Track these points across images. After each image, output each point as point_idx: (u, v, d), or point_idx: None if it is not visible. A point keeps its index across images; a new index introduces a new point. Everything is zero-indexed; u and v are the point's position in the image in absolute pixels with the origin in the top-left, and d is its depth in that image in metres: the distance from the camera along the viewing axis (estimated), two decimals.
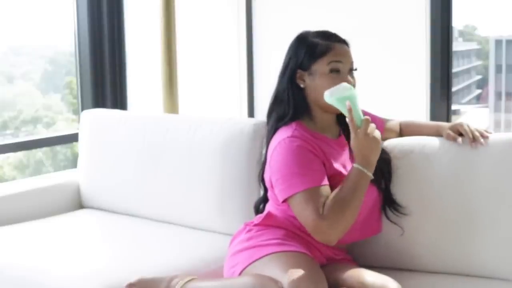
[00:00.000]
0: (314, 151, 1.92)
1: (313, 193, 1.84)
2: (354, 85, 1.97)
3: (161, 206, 2.64)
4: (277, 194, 1.94)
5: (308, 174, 1.87)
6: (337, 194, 1.83)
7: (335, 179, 1.92)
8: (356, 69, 2.00)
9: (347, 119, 1.85)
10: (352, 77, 1.99)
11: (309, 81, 1.99)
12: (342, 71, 1.96)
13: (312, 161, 1.90)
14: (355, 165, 1.85)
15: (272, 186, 2.00)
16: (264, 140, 2.15)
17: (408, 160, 2.10)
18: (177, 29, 3.10)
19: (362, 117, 1.85)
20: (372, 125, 1.85)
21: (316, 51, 1.97)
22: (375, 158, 1.86)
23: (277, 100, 2.05)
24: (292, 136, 1.93)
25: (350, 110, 1.83)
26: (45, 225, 2.63)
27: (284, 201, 1.91)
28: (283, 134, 1.96)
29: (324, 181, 1.88)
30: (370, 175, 1.85)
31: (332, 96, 1.88)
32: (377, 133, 1.85)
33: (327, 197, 1.84)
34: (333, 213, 1.80)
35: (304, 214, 1.84)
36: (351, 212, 1.82)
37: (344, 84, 1.90)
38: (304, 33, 2.04)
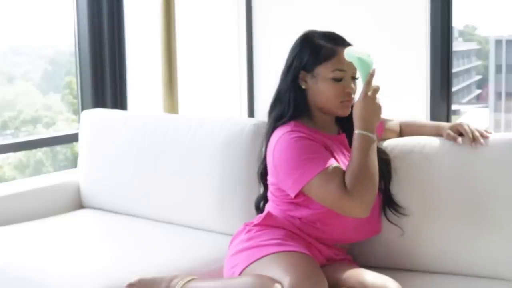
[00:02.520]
0: (315, 141, 1.93)
1: (329, 173, 1.85)
2: (354, 92, 1.99)
3: (161, 206, 2.64)
4: (289, 189, 1.93)
5: (316, 158, 1.88)
6: (351, 166, 1.85)
7: None
8: (358, 78, 2.00)
9: (362, 80, 1.89)
10: (354, 84, 1.99)
11: (311, 83, 1.99)
12: (345, 79, 1.97)
13: (315, 146, 1.91)
14: (357, 131, 1.87)
15: (274, 185, 2.00)
16: (264, 139, 2.15)
17: (408, 160, 2.10)
18: (177, 29, 3.10)
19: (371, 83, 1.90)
20: (380, 94, 1.89)
21: (320, 54, 1.97)
22: (375, 123, 1.89)
23: (278, 100, 2.05)
24: (290, 131, 1.94)
25: (373, 74, 1.87)
26: (45, 225, 2.63)
27: (297, 194, 1.91)
28: (282, 131, 1.96)
29: (333, 160, 1.90)
30: (374, 137, 1.87)
31: (355, 54, 1.90)
32: (381, 103, 1.90)
33: (343, 173, 1.86)
34: (356, 185, 1.82)
35: (328, 195, 1.84)
36: (372, 178, 1.84)
37: (366, 50, 1.92)
38: (309, 33, 2.04)
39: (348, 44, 2.00)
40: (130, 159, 2.73)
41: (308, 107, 2.02)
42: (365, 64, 1.90)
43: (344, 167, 1.95)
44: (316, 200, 1.90)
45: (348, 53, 1.92)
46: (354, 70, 1.97)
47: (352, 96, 1.98)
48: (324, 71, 1.97)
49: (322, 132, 2.01)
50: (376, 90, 1.88)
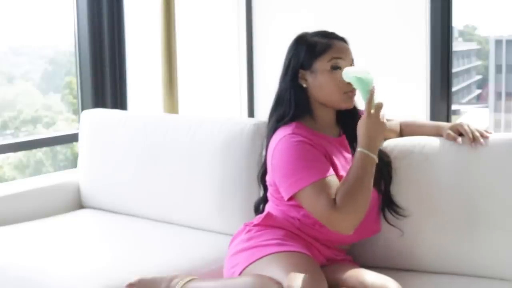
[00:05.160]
0: (315, 146, 1.92)
1: (322, 185, 1.84)
2: None
3: (161, 206, 2.64)
4: (283, 191, 1.93)
5: (314, 167, 1.87)
6: (346, 182, 1.84)
7: (337, 176, 1.92)
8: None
9: (363, 99, 1.88)
10: None
11: (311, 80, 1.99)
12: (343, 67, 1.97)
13: (315, 154, 1.90)
14: (359, 149, 1.86)
15: (272, 185, 2.00)
16: (265, 141, 2.15)
17: (408, 160, 2.10)
18: (177, 29, 3.10)
19: (375, 101, 1.88)
20: (383, 111, 1.87)
21: (316, 49, 1.98)
22: (379, 142, 1.89)
23: (279, 102, 2.05)
24: (292, 133, 1.93)
25: (372, 92, 1.86)
26: (45, 225, 2.63)
27: (290, 198, 1.91)
28: (283, 132, 1.96)
29: (331, 171, 1.89)
30: (376, 158, 1.86)
31: (352, 74, 1.90)
32: (385, 121, 1.89)
33: (336, 187, 1.85)
34: (346, 202, 1.80)
35: (317, 207, 1.84)
36: (363, 198, 1.83)
37: (365, 68, 1.92)
38: (302, 34, 2.05)
39: (342, 38, 2.02)
40: (130, 159, 2.73)
41: (309, 106, 2.02)
42: (364, 83, 1.89)
43: (343, 171, 1.95)
44: (305, 209, 1.90)
45: (346, 73, 1.92)
46: (351, 59, 1.99)
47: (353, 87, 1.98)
48: (322, 64, 1.97)
49: (323, 134, 2.01)
50: (379, 107, 1.87)
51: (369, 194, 1.85)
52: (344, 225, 1.82)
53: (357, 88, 1.92)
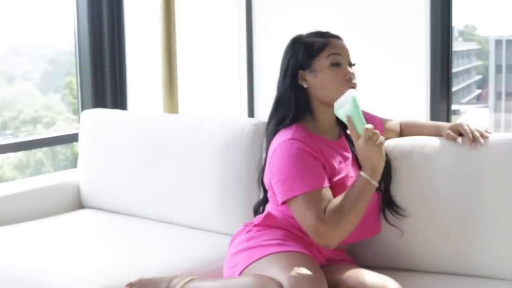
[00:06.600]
0: (314, 154, 1.92)
1: (314, 196, 1.84)
2: (354, 77, 1.97)
3: (161, 206, 2.64)
4: (277, 195, 1.93)
5: (309, 177, 1.87)
6: (341, 200, 1.83)
7: (335, 180, 1.92)
8: (354, 64, 2.01)
9: (348, 131, 1.87)
10: (352, 70, 1.99)
11: (311, 79, 1.99)
12: (342, 64, 1.97)
13: (313, 163, 1.90)
14: (361, 173, 1.85)
15: (271, 187, 2.00)
16: (265, 141, 2.15)
17: (408, 160, 2.10)
18: (177, 29, 3.10)
19: (364, 124, 1.84)
20: (376, 133, 1.83)
21: (314, 48, 1.99)
22: (380, 166, 1.85)
23: (279, 104, 2.04)
24: (292, 138, 1.93)
25: (349, 121, 1.84)
26: (45, 225, 2.63)
27: (283, 203, 1.91)
28: (283, 136, 1.95)
29: (325, 183, 1.88)
30: (376, 183, 1.85)
31: (339, 109, 1.88)
32: (380, 140, 1.83)
33: (329, 200, 1.84)
34: (334, 219, 1.80)
35: (304, 217, 1.84)
36: (353, 219, 1.82)
37: (350, 91, 1.90)
38: (297, 36, 2.06)
39: (337, 36, 2.02)
40: (130, 159, 2.73)
41: (310, 106, 2.01)
42: (355, 116, 1.85)
43: (342, 172, 1.95)
44: (294, 217, 1.90)
45: (337, 111, 1.89)
46: (349, 55, 1.99)
47: (354, 81, 1.97)
48: (321, 61, 1.97)
49: (323, 137, 2.00)
50: (366, 132, 1.81)
51: (360, 217, 1.84)
52: (329, 240, 1.82)
53: (354, 123, 1.86)
